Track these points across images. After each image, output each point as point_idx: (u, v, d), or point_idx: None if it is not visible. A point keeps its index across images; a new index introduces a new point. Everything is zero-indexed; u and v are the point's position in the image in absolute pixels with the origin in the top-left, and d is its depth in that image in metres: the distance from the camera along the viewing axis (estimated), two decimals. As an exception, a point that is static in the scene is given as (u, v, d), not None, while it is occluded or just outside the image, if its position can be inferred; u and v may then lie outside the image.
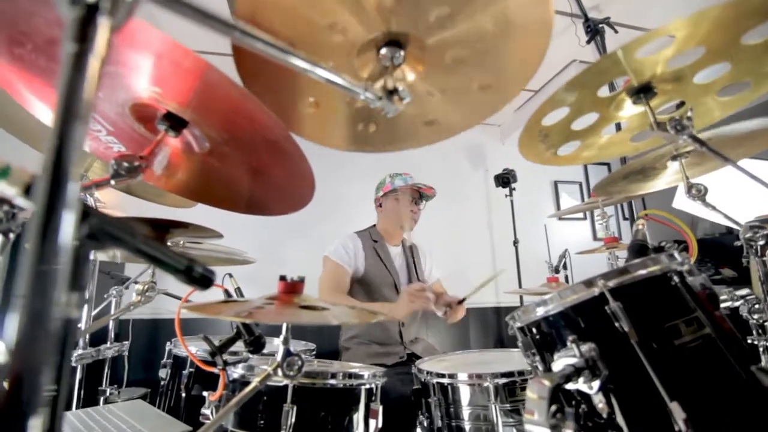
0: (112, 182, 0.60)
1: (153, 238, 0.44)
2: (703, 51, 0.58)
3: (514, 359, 1.16)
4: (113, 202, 2.32)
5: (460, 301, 1.55)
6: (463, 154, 3.30)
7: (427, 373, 1.01)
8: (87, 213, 0.35)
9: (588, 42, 1.87)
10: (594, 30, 1.84)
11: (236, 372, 0.81)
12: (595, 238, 3.36)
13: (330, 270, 1.66)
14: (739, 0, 0.49)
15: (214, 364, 0.76)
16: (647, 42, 0.58)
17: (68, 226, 0.23)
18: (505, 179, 2.80)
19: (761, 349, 0.94)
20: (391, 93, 0.51)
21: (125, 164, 0.60)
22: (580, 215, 3.38)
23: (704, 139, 0.77)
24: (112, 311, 1.28)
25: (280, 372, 0.59)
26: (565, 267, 1.74)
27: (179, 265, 0.44)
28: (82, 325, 1.13)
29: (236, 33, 0.37)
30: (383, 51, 0.57)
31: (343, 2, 0.49)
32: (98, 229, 0.36)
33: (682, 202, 2.10)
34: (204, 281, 0.47)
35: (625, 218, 3.17)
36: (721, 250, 2.78)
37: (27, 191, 0.33)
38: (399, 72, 0.54)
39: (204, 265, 0.46)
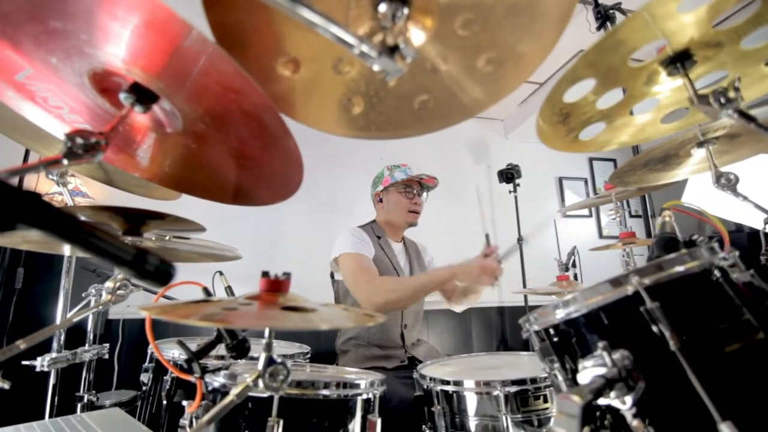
0: (65, 161, 0.51)
1: (89, 222, 0.35)
2: (758, 5, 0.49)
3: (524, 364, 1.08)
4: (102, 197, 2.23)
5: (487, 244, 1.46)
6: (465, 148, 3.21)
7: (431, 379, 0.93)
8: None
9: (598, 29, 1.79)
10: (604, 16, 1.76)
11: (217, 380, 0.73)
12: (601, 235, 3.27)
13: (355, 263, 1.45)
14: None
15: (191, 371, 0.68)
16: None
17: None
18: (509, 175, 2.72)
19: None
20: (392, 50, 0.42)
21: (80, 140, 0.51)
22: (586, 212, 3.29)
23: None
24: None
25: (261, 383, 0.51)
26: (574, 265, 1.65)
27: (125, 255, 0.35)
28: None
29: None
30: (382, 8, 0.48)
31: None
32: (-1, 206, 0.28)
33: (691, 197, 2.01)
34: (160, 275, 0.38)
35: (632, 215, 3.08)
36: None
37: None
38: (403, 27, 0.46)
39: (161, 257, 0.38)
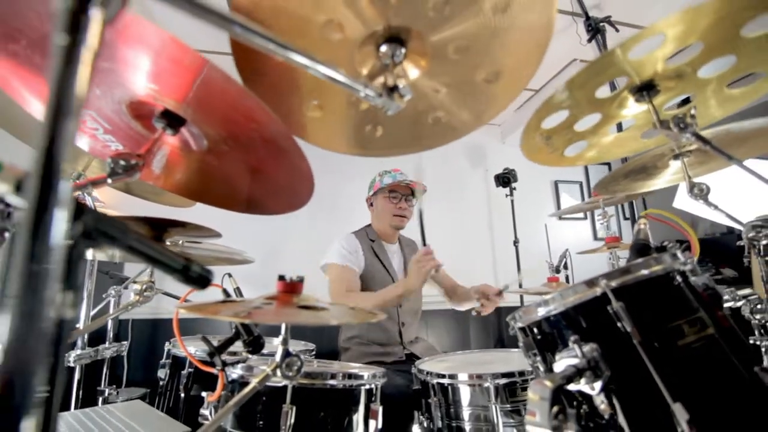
0: (109, 181, 0.59)
1: (149, 237, 0.44)
2: (701, 47, 0.57)
3: (514, 359, 1.16)
4: (112, 201, 2.31)
5: (499, 292, 1.50)
6: (463, 153, 3.29)
7: (427, 373, 1.01)
8: (81, 211, 0.34)
9: (589, 41, 1.87)
10: (595, 29, 1.84)
11: (235, 372, 0.81)
12: (595, 237, 3.36)
13: (337, 274, 1.60)
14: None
15: (212, 364, 0.76)
16: (639, 41, 0.57)
17: (60, 224, 0.23)
18: (505, 179, 2.80)
19: (763, 350, 0.93)
20: (392, 90, 0.50)
21: (122, 162, 0.59)
22: (581, 215, 3.37)
23: (709, 137, 0.77)
24: (111, 311, 1.27)
25: (279, 373, 0.59)
26: (566, 267, 1.73)
27: (176, 265, 0.43)
28: (80, 325, 1.12)
29: (233, 27, 0.37)
30: (383, 48, 0.56)
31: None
32: (92, 228, 0.35)
33: (683, 201, 2.09)
34: (201, 281, 0.46)
35: (626, 218, 3.16)
36: (722, 249, 2.78)
37: (18, 188, 0.33)
38: (401, 69, 0.54)
39: (201, 265, 0.46)
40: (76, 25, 0.24)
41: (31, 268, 0.21)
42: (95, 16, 0.25)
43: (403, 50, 0.56)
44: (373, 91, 0.46)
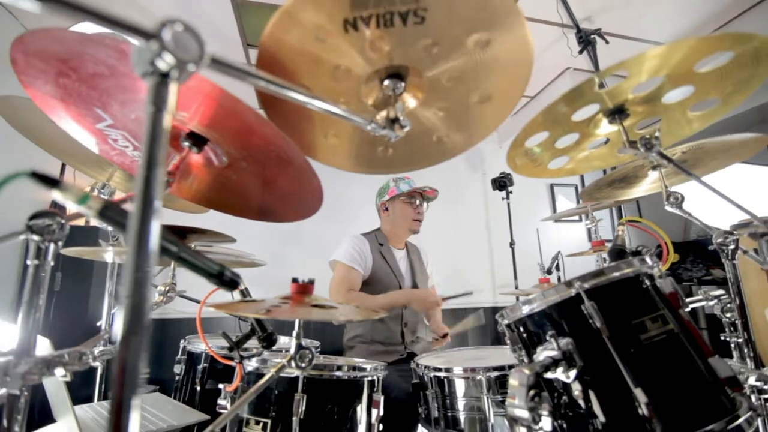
0: (145, 196, 0.67)
1: (188, 247, 0.52)
2: (662, 79, 0.66)
3: (506, 355, 1.24)
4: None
5: (444, 336, 1.79)
6: (461, 157, 3.37)
7: (425, 367, 1.09)
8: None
9: (580, 52, 1.95)
10: (586, 40, 1.92)
11: (250, 365, 0.89)
12: (590, 239, 3.44)
13: (342, 273, 1.68)
14: (681, 44, 0.58)
15: (231, 358, 0.84)
16: (607, 76, 0.65)
17: (155, 239, 0.31)
18: (501, 183, 2.88)
19: (732, 346, 1.02)
20: (393, 122, 0.59)
21: (157, 180, 0.68)
22: (576, 218, 3.46)
23: (684, 150, 0.85)
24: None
25: (293, 363, 0.67)
26: (558, 268, 1.81)
27: (212, 270, 0.52)
28: (102, 324, 1.20)
29: (260, 82, 0.45)
30: (386, 83, 0.65)
31: (348, 47, 0.57)
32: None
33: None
34: (232, 283, 0.55)
35: (620, 221, 3.25)
36: (713, 251, 2.87)
37: (100, 214, 0.41)
38: (401, 102, 0.62)
39: (232, 270, 0.54)
40: (160, 96, 0.32)
41: (137, 274, 0.30)
42: (173, 87, 0.33)
43: (403, 84, 0.65)
44: (376, 124, 0.55)
